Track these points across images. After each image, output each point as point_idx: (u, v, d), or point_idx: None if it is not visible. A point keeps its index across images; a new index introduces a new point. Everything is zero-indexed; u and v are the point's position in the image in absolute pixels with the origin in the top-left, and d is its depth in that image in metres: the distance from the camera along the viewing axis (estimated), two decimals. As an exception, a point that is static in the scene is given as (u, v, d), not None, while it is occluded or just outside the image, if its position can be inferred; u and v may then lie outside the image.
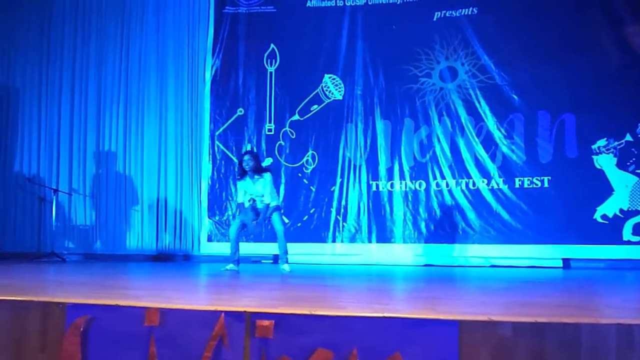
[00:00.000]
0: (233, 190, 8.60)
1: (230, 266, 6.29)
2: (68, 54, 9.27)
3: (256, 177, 6.22)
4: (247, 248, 7.67)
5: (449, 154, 7.96)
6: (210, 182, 8.68)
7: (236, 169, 7.02)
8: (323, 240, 8.24)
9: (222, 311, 2.95)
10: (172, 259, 8.69)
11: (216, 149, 8.71)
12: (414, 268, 7.39)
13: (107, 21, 9.21)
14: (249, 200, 6.35)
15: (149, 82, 9.08)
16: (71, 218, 9.16)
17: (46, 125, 9.31)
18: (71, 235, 9.14)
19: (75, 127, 9.25)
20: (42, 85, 9.33)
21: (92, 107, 9.23)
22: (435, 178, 7.98)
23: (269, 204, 6.22)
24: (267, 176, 6.24)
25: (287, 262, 6.23)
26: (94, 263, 8.08)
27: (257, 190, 6.24)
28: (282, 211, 6.77)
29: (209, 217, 8.63)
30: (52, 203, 8.70)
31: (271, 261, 8.15)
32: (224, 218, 8.59)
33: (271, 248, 8.08)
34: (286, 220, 8.35)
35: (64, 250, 8.95)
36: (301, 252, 8.24)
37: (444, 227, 7.86)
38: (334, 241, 8.22)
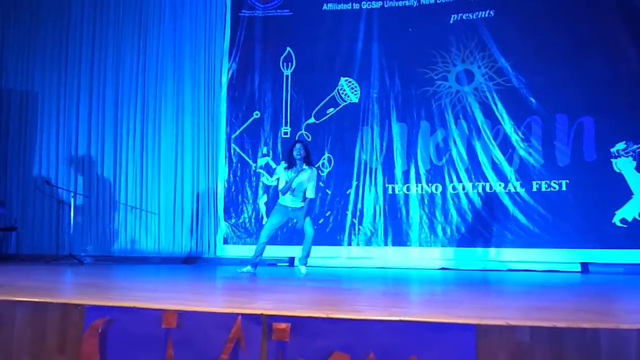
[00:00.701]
0: (249, 192, 8.63)
1: (247, 268, 6.31)
2: (86, 58, 9.36)
3: (304, 167, 6.19)
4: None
5: (465, 157, 7.92)
6: (226, 185, 8.71)
7: (283, 157, 6.92)
8: (339, 243, 8.24)
9: (239, 314, 2.97)
10: (189, 262, 8.74)
11: (232, 152, 8.75)
12: (430, 271, 7.37)
13: (124, 24, 9.29)
14: (290, 191, 6.23)
15: (166, 85, 9.15)
16: (89, 220, 9.25)
17: (64, 128, 9.41)
18: (89, 237, 9.22)
19: (93, 130, 9.34)
20: (61, 89, 9.43)
21: (109, 110, 9.30)
22: (451, 181, 7.95)
23: (311, 199, 6.23)
24: (315, 170, 6.27)
25: (305, 264, 6.24)
26: (111, 265, 8.15)
27: (301, 183, 6.17)
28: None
29: (225, 220, 8.66)
30: (70, 206, 8.79)
31: (287, 264, 8.16)
32: (240, 221, 8.62)
33: (287, 250, 8.12)
34: (302, 223, 8.38)
35: (82, 252, 9.03)
36: (317, 255, 8.25)
37: (460, 230, 7.82)
38: (349, 244, 8.22)
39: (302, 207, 6.27)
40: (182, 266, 8.21)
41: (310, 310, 3.01)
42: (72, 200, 8.79)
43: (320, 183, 8.42)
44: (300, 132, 8.58)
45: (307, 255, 6.26)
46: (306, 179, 6.20)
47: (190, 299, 3.69)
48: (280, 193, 6.32)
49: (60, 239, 9.18)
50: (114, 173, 9.28)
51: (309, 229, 6.20)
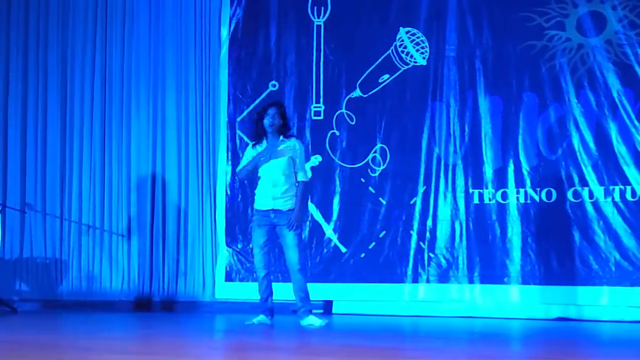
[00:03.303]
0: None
1: (260, 318, 6.33)
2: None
3: (281, 140, 6.41)
4: (282, 291, 7.68)
5: (593, 148, 7.81)
6: (229, 192, 8.74)
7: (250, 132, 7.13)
8: (399, 279, 8.19)
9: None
10: (171, 308, 8.78)
11: (239, 142, 8.76)
12: (542, 323, 7.29)
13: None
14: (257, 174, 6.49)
15: (137, 45, 9.23)
16: (25, 249, 9.34)
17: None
18: (24, 272, 9.32)
19: (30, 113, 9.47)
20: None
21: (52, 83, 9.43)
22: (572, 185, 7.83)
23: (304, 182, 6.43)
24: (299, 142, 6.50)
25: (310, 311, 6.31)
26: (58, 314, 8.23)
27: (280, 162, 6.39)
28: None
29: (227, 245, 8.68)
30: (-3, 225, 8.92)
31: (321, 311, 8.16)
32: (250, 246, 8.62)
33: (320, 290, 8.10)
34: (342, 249, 8.36)
35: (14, 295, 9.12)
36: (366, 298, 8.18)
37: (585, 259, 7.71)
38: (415, 281, 8.16)
39: (288, 209, 6.38)
40: (163, 315, 8.24)
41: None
42: None
43: (371, 188, 8.37)
44: (339, 112, 8.55)
45: (306, 298, 6.34)
46: (288, 155, 6.38)
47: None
48: (242, 174, 6.62)
49: (-20, 275, 9.32)
50: (62, 176, 9.38)
51: (292, 253, 6.31)
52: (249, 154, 6.60)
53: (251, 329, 6.13)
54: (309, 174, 6.50)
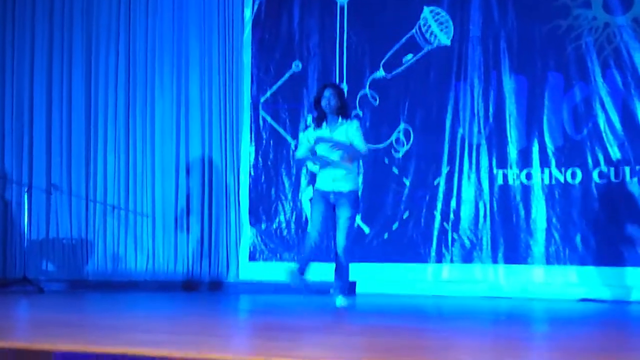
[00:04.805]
0: (287, 184, 8.65)
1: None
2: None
3: (340, 121, 6.32)
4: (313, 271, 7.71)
5: (618, 128, 7.75)
6: (252, 173, 8.78)
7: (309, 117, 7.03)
8: (423, 259, 8.21)
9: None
10: (196, 288, 8.86)
11: (262, 123, 8.80)
12: (566, 304, 7.27)
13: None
14: (321, 160, 6.34)
15: (161, 28, 9.29)
16: (51, 229, 9.45)
17: (12, 90, 9.64)
18: (51, 253, 9.42)
19: (55, 97, 9.57)
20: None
21: (77, 68, 9.49)
22: (597, 165, 7.79)
23: (365, 154, 6.37)
24: (355, 122, 6.40)
25: (345, 294, 6.22)
26: (84, 294, 8.31)
27: (337, 142, 6.26)
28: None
29: (251, 225, 8.73)
30: (23, 207, 8.99)
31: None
32: (274, 226, 8.66)
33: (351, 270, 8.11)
34: (366, 230, 8.38)
35: (41, 275, 9.23)
36: (390, 278, 8.20)
37: (612, 241, 7.67)
38: (439, 261, 8.17)
39: (349, 191, 6.28)
40: (187, 295, 8.30)
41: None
42: (25, 198, 8.98)
43: (394, 169, 8.37)
44: (362, 92, 8.55)
45: (345, 284, 6.25)
46: (345, 135, 6.27)
47: (204, 343, 3.73)
48: (304, 165, 6.43)
49: (8, 255, 9.41)
50: (87, 157, 9.46)
51: (341, 235, 6.19)
52: (310, 135, 6.45)
53: (276, 309, 6.14)
54: (366, 148, 6.35)
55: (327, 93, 6.30)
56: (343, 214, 6.24)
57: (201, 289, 8.82)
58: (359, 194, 6.64)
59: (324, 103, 6.28)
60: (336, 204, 6.29)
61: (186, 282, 8.93)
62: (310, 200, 6.74)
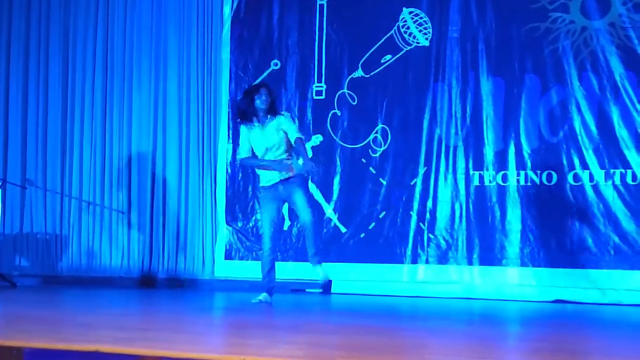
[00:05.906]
0: (263, 183, 8.65)
1: (263, 296, 6.39)
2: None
3: (269, 119, 6.54)
4: (284, 270, 7.72)
5: (594, 131, 7.80)
6: (229, 171, 8.76)
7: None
8: (399, 260, 8.21)
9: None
10: (171, 285, 8.83)
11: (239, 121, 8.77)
12: (539, 305, 7.31)
13: None
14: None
15: (139, 23, 9.24)
16: (25, 224, 9.39)
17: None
18: (24, 248, 9.38)
19: (31, 89, 9.53)
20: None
21: (54, 60, 9.44)
22: (572, 167, 7.83)
23: (300, 138, 6.51)
24: (282, 117, 6.59)
25: (320, 263, 6.51)
26: (58, 290, 8.26)
27: (272, 139, 6.51)
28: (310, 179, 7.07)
29: (227, 224, 8.71)
30: (-2, 200, 8.96)
31: (320, 290, 8.19)
32: (250, 225, 8.66)
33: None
34: (342, 229, 8.39)
35: (14, 270, 9.19)
36: (365, 278, 8.21)
37: (584, 243, 7.72)
38: (414, 262, 8.19)
39: (292, 175, 6.50)
40: (163, 292, 8.28)
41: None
42: None
43: (371, 169, 8.39)
44: (340, 92, 8.55)
45: (318, 251, 6.53)
46: (275, 130, 6.51)
47: (178, 341, 3.73)
48: (247, 166, 6.76)
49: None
50: (62, 152, 9.42)
51: (304, 212, 6.45)
52: (245, 136, 6.63)
53: (251, 307, 6.15)
54: (300, 135, 6.56)
55: (264, 90, 6.54)
56: (298, 193, 6.51)
57: (176, 286, 8.79)
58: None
59: (259, 102, 6.50)
60: (287, 192, 6.54)
61: (160, 279, 8.90)
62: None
